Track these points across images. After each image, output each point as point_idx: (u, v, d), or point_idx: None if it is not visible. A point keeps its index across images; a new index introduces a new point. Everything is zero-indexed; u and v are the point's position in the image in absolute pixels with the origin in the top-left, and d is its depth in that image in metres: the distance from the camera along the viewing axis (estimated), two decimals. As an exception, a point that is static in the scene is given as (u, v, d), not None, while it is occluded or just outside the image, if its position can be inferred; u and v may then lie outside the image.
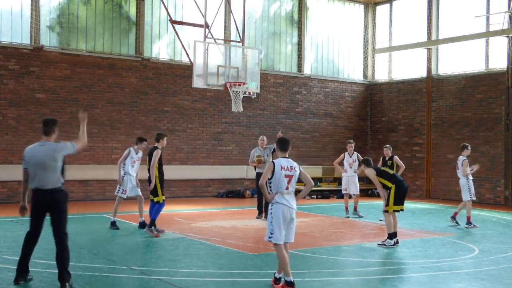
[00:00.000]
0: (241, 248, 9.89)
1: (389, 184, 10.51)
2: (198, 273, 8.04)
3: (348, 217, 14.51)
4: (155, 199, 11.20)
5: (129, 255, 9.22)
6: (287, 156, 7.36)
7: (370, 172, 10.64)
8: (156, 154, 11.10)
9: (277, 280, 7.23)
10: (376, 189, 16.31)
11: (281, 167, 7.15)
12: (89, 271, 7.88)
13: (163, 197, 11.22)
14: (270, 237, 7.10)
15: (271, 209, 7.16)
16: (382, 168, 10.97)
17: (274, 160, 7.30)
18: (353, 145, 15.25)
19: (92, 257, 8.92)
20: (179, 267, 8.39)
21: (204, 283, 7.47)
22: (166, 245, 10.23)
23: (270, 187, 7.20)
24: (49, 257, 8.78)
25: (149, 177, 11.18)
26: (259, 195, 14.13)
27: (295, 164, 7.30)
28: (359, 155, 15.11)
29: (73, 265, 8.23)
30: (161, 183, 11.20)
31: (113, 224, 11.84)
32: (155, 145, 11.29)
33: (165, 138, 11.49)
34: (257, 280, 7.35)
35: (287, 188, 7.14)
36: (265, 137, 14.41)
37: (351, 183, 14.82)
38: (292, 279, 7.02)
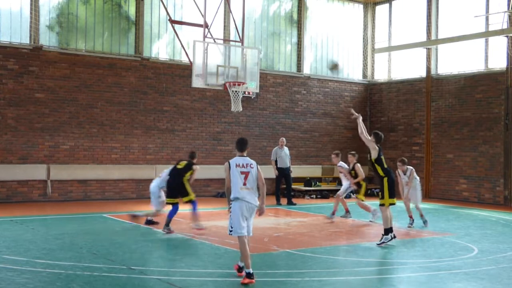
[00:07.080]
0: (240, 248, 9.88)
1: (382, 174, 10.53)
2: (197, 273, 8.04)
3: (346, 217, 14.47)
4: (186, 199, 11.77)
5: (129, 255, 9.21)
6: (245, 154, 7.82)
7: (373, 145, 10.46)
8: (195, 170, 11.88)
9: (240, 268, 7.68)
10: (376, 188, 16.38)
11: (236, 165, 7.65)
12: (89, 271, 7.87)
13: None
14: (230, 231, 7.56)
15: (230, 205, 7.62)
16: (382, 157, 10.70)
17: (229, 160, 7.75)
18: (339, 157, 14.65)
19: (92, 257, 8.92)
20: (179, 267, 8.41)
21: (203, 283, 7.48)
22: (166, 245, 10.24)
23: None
24: (48, 257, 8.80)
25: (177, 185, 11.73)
26: (276, 185, 17.44)
27: (252, 161, 7.74)
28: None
29: (73, 265, 8.25)
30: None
31: (150, 222, 12.31)
32: (193, 161, 11.96)
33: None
34: (256, 280, 7.35)
35: (244, 184, 7.56)
36: (284, 139, 17.89)
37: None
38: (251, 271, 7.31)
